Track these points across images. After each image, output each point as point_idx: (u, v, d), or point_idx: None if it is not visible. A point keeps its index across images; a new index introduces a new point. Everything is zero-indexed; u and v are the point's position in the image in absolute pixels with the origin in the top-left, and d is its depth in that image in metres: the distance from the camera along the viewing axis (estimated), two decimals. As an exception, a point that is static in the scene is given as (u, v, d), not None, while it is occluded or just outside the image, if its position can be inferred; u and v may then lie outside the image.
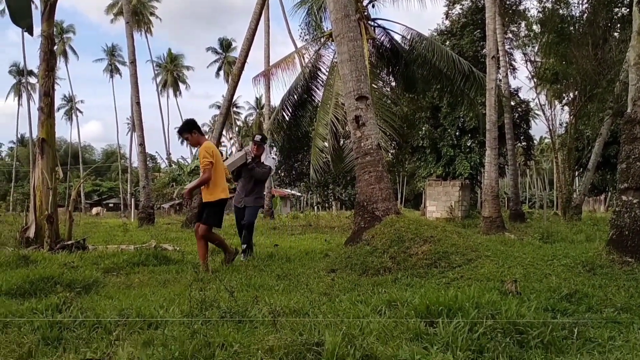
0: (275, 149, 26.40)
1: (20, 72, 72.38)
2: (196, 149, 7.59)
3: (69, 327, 4.03)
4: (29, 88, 67.66)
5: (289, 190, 56.46)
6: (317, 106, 20.56)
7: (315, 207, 52.42)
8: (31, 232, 9.77)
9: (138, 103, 24.12)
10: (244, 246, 8.65)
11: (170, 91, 77.52)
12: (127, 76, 26.36)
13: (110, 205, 73.04)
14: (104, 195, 78.73)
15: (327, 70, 20.63)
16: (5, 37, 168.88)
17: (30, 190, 10.40)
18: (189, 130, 7.51)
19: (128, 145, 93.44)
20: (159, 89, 75.74)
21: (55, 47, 11.03)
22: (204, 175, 7.24)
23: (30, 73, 66.49)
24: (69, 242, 9.60)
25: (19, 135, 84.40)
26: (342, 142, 19.24)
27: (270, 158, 9.10)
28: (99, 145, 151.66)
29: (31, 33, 6.10)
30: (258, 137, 9.03)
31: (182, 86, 78.62)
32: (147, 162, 25.89)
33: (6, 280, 5.71)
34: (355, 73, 8.41)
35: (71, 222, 10.44)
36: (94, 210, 58.15)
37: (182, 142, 79.26)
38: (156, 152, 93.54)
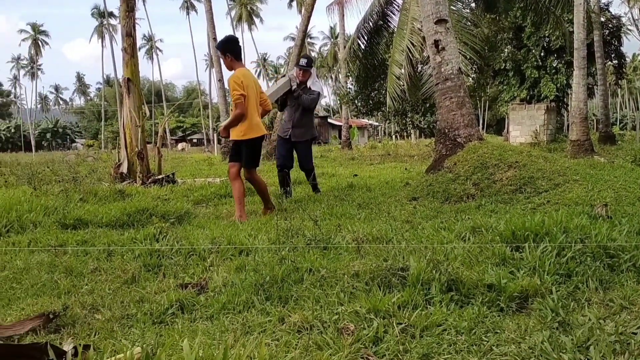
0: (351, 78, 26.09)
1: (101, 14, 74.61)
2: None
3: (167, 255, 4.32)
4: (111, 29, 69.79)
5: (366, 120, 56.06)
6: (392, 32, 19.95)
7: (394, 136, 52.00)
8: (124, 168, 10.32)
9: (215, 39, 24.40)
10: (288, 188, 7.79)
11: (245, 25, 77.63)
12: (203, 13, 26.56)
13: (194, 140, 75.63)
14: (187, 131, 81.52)
15: (403, -7, 19.88)
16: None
17: (120, 128, 10.91)
18: (223, 50, 6.42)
19: (207, 82, 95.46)
20: (234, 24, 75.99)
21: (133, -13, 11.23)
22: (237, 110, 6.26)
23: (111, 15, 68.36)
24: (160, 177, 10.09)
25: (104, 76, 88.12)
26: (419, 68, 18.70)
27: (317, 82, 7.98)
28: (179, 83, 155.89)
29: None
30: (303, 61, 7.84)
31: (256, 20, 78.56)
32: (227, 98, 26.32)
33: (106, 212, 6.11)
34: (433, -5, 8.06)
35: (160, 157, 10.95)
36: (180, 145, 60.60)
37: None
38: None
